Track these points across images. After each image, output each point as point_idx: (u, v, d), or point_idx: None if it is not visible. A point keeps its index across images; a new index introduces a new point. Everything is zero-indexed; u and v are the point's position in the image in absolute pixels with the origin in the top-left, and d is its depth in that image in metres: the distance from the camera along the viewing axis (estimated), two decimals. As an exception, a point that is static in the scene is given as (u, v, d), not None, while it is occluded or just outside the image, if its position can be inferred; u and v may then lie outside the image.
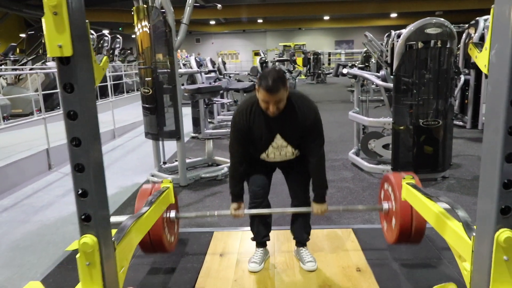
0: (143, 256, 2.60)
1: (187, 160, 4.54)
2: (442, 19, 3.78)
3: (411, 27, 3.81)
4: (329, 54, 23.29)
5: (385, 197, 2.47)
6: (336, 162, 4.88)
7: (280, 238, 2.78)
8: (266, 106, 2.05)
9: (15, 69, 8.63)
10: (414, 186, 1.88)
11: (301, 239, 2.47)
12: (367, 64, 13.55)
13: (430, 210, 1.60)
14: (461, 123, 6.98)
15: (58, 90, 7.41)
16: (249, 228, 2.53)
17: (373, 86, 12.17)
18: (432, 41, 3.76)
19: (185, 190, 4.04)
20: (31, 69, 7.85)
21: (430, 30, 3.73)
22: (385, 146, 4.24)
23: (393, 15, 23.44)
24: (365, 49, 14.30)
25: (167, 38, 3.82)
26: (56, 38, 1.10)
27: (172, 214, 2.42)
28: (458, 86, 6.76)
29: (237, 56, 30.93)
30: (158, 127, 4.03)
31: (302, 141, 2.23)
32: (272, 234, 2.68)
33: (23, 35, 10.02)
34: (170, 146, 4.74)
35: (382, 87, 4.46)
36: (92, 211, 1.17)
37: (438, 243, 2.62)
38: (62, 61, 1.11)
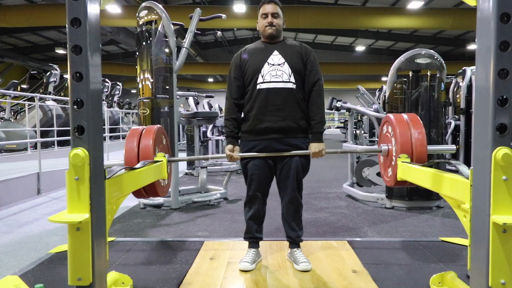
0: (129, 257, 2.50)
1: (180, 188, 4.47)
2: (432, 50, 3.96)
3: (401, 58, 3.99)
4: (323, 112, 23.93)
5: (385, 140, 2.33)
6: (330, 194, 4.84)
7: (273, 247, 2.68)
8: (265, 22, 2.27)
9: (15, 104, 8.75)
10: (409, 163, 1.85)
11: (294, 236, 2.36)
12: (360, 119, 13.89)
13: (426, 173, 1.56)
14: (453, 168, 7.02)
15: (55, 128, 7.48)
16: (240, 238, 2.45)
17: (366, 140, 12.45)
18: (422, 70, 3.92)
19: (176, 212, 3.94)
20: (30, 105, 7.96)
21: (420, 60, 3.90)
22: (379, 174, 4.22)
23: (384, 78, 24.50)
24: (359, 105, 14.72)
25: (168, 61, 3.95)
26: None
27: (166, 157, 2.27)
28: (448, 131, 6.91)
29: (233, 113, 31.67)
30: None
31: (300, 71, 2.28)
32: (264, 244, 2.61)
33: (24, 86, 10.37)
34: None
35: (374, 118, 4.55)
36: (86, 123, 1.13)
37: (436, 254, 2.55)
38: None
